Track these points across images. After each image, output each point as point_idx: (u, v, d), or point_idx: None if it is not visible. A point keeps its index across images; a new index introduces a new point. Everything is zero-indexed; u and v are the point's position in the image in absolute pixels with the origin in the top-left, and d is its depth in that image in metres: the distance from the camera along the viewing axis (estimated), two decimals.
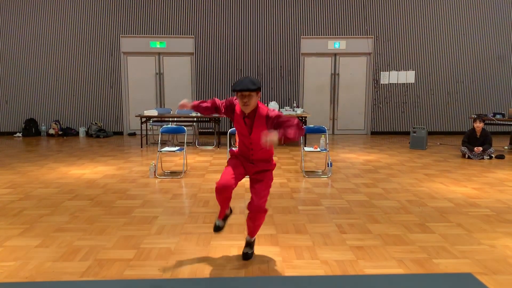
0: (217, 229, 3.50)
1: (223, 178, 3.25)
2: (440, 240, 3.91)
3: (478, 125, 8.08)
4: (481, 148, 7.99)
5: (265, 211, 3.34)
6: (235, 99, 3.31)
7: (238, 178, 3.32)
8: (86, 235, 4.01)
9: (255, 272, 3.25)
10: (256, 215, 3.33)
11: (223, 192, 3.26)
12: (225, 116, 3.53)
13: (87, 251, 3.64)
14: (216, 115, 3.58)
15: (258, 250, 3.67)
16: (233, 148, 3.62)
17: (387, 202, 5.17)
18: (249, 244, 3.54)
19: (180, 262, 3.43)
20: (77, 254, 3.57)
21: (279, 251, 3.64)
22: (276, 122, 3.13)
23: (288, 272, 3.25)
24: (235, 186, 3.29)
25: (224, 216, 3.53)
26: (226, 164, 3.46)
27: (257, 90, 3.10)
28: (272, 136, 2.91)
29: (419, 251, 3.65)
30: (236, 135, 3.67)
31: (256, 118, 3.18)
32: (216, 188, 3.28)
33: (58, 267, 3.33)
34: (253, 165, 3.35)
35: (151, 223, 4.38)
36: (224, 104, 3.40)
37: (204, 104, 3.48)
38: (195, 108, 3.51)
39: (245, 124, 3.24)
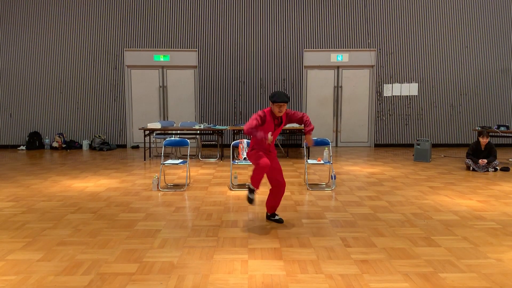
0: (252, 201, 4.65)
1: (264, 159, 4.43)
2: (446, 254, 3.86)
3: (484, 140, 8.03)
4: (485, 160, 7.95)
5: (285, 183, 4.77)
6: (265, 110, 4.53)
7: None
8: (89, 249, 3.98)
9: (258, 286, 3.21)
10: (281, 188, 4.73)
11: (266, 169, 4.43)
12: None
13: (89, 265, 3.61)
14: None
15: (261, 264, 3.63)
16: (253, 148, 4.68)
17: (392, 215, 5.13)
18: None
19: (182, 276, 3.40)
20: (80, 268, 3.55)
21: (283, 265, 3.60)
22: (294, 120, 4.72)
23: (292, 286, 3.21)
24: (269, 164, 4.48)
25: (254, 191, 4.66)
26: (255, 153, 4.55)
27: (288, 101, 4.51)
28: (310, 139, 4.75)
29: (425, 265, 3.60)
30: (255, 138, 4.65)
31: (283, 120, 4.65)
32: (261, 166, 4.38)
33: (60, 281, 3.30)
34: (271, 152, 4.69)
35: (154, 236, 4.35)
36: (259, 118, 4.43)
37: (258, 127, 4.45)
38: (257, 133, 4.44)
39: (274, 124, 4.55)
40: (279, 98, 4.40)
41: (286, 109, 4.59)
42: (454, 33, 11.71)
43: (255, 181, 4.56)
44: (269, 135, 4.36)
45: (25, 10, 11.40)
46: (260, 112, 4.50)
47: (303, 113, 4.72)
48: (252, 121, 4.40)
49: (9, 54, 11.52)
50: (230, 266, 3.58)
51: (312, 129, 4.65)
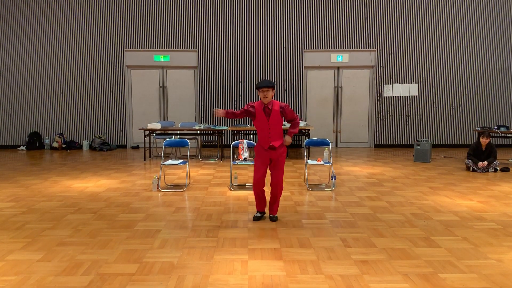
0: (256, 218, 4.94)
1: (255, 174, 4.81)
2: (446, 254, 3.85)
3: (485, 141, 8.02)
4: (485, 163, 7.92)
5: (282, 187, 4.93)
6: (254, 103, 4.81)
7: (264, 171, 4.83)
8: (89, 249, 3.98)
9: (258, 287, 3.21)
10: (276, 189, 4.87)
11: (256, 187, 4.84)
12: (245, 116, 4.89)
13: (89, 265, 3.61)
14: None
15: (261, 264, 3.63)
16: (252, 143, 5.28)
17: (392, 216, 5.12)
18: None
19: (182, 276, 3.40)
20: (79, 268, 3.54)
21: (283, 266, 3.60)
22: (286, 115, 4.78)
23: (292, 287, 3.21)
24: (264, 183, 4.84)
25: (261, 210, 5.02)
26: (255, 161, 4.87)
27: (272, 87, 4.66)
28: (288, 138, 4.81)
29: (425, 266, 3.60)
30: (257, 130, 4.89)
31: (273, 108, 4.74)
32: (254, 186, 4.85)
33: (60, 281, 3.30)
34: (274, 151, 4.79)
35: (153, 236, 4.35)
36: (245, 108, 4.83)
37: (235, 112, 4.89)
38: (228, 115, 4.85)
39: (265, 113, 4.74)
40: (261, 83, 4.66)
41: (280, 103, 4.80)
42: (454, 33, 11.71)
43: (257, 203, 5.00)
44: (216, 111, 4.80)
45: (26, 10, 11.41)
46: (250, 103, 4.86)
47: (297, 116, 4.95)
48: (239, 110, 4.91)
49: (10, 54, 11.52)
50: (230, 267, 3.58)
51: (295, 133, 4.93)
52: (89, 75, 11.65)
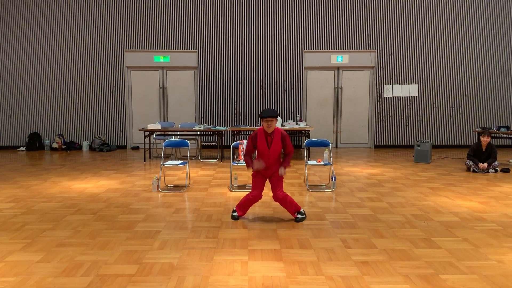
0: (236, 218, 4.99)
1: (257, 191, 4.88)
2: (446, 255, 3.85)
3: (486, 140, 8.01)
4: (486, 165, 7.91)
5: (284, 195, 4.85)
6: (257, 130, 4.82)
7: (262, 188, 4.94)
8: (88, 250, 3.97)
9: None
10: (280, 201, 4.85)
11: (254, 201, 4.93)
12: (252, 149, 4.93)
13: (89, 266, 3.60)
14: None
15: (261, 265, 3.62)
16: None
17: (392, 217, 5.12)
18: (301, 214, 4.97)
19: (182, 277, 3.39)
20: (79, 269, 3.54)
21: (283, 267, 3.59)
22: (285, 146, 4.82)
23: None
24: (261, 196, 4.92)
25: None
26: (253, 178, 4.95)
27: (277, 117, 4.66)
28: (283, 171, 4.81)
29: (426, 267, 3.59)
30: (256, 154, 4.95)
31: (274, 137, 4.78)
32: (251, 198, 4.87)
33: (59, 282, 3.29)
34: (269, 169, 4.86)
35: (153, 237, 4.34)
36: (251, 140, 4.84)
37: (249, 153, 4.89)
38: (249, 158, 4.90)
39: (266, 142, 4.77)
40: (266, 113, 4.63)
41: (282, 132, 4.80)
42: (455, 34, 11.71)
43: (241, 207, 4.98)
44: (260, 164, 4.77)
45: (25, 10, 11.40)
46: (252, 134, 4.86)
47: (292, 149, 4.90)
48: (247, 147, 4.86)
49: (9, 55, 11.52)
50: (230, 268, 3.57)
51: (288, 166, 4.90)
52: (89, 76, 11.65)
